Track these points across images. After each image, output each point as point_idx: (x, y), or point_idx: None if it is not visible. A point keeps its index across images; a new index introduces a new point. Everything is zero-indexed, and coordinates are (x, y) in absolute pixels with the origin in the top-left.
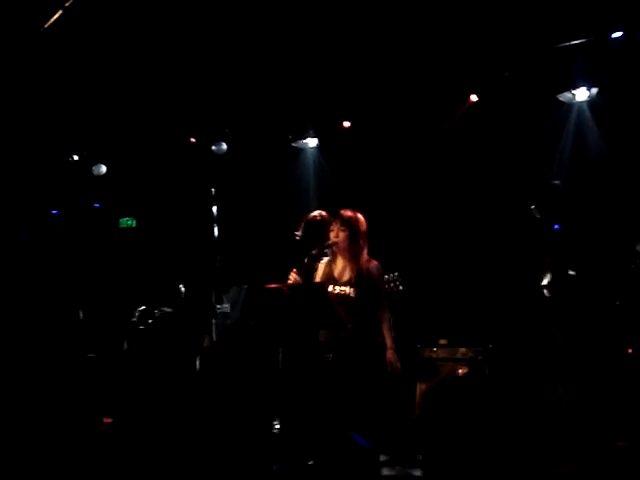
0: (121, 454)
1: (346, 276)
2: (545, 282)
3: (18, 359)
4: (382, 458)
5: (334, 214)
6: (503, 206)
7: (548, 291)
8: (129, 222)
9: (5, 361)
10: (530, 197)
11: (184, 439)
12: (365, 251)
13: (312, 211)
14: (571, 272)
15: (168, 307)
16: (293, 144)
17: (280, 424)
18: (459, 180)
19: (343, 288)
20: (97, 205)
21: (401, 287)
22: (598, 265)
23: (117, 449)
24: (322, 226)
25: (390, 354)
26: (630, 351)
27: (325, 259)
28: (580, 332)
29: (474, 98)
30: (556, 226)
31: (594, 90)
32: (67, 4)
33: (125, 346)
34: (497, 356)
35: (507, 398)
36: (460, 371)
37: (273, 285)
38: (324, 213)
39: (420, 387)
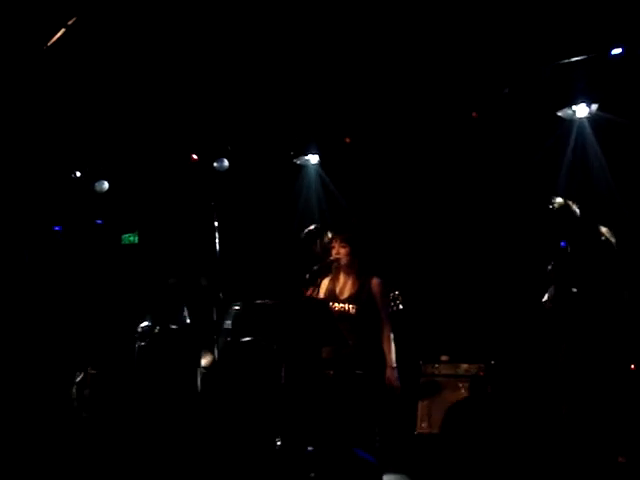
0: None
1: (347, 293)
2: (546, 297)
3: (20, 375)
4: (386, 472)
5: (336, 230)
6: (504, 222)
7: (550, 306)
8: (131, 238)
9: (8, 376)
10: (532, 213)
11: (185, 454)
12: (367, 268)
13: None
14: (574, 289)
15: (171, 324)
16: (295, 160)
17: (282, 440)
18: (460, 196)
19: (344, 305)
20: (99, 221)
21: (401, 306)
22: (601, 282)
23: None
24: (317, 236)
25: (389, 372)
26: (633, 367)
27: (328, 275)
28: (583, 348)
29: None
30: (563, 243)
31: (594, 106)
32: (70, 23)
33: (127, 362)
34: (499, 372)
35: (509, 415)
36: (461, 386)
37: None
38: (318, 226)
39: (422, 403)
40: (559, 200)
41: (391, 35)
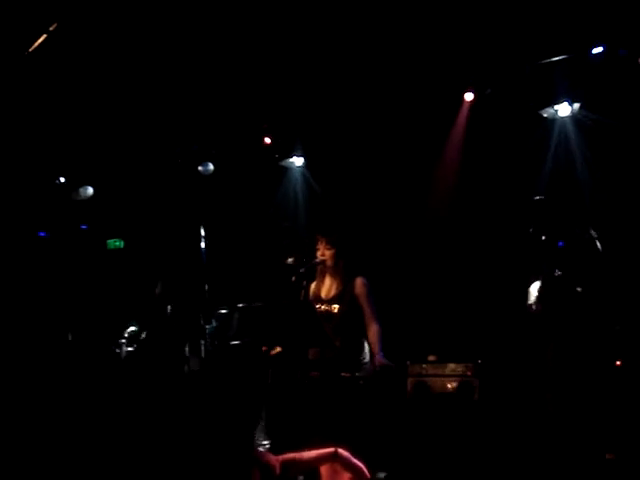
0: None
1: (332, 293)
2: (533, 300)
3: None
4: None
5: (321, 232)
6: (489, 221)
7: (539, 309)
8: (117, 243)
9: None
10: (516, 212)
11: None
12: (351, 269)
13: (299, 228)
14: (578, 289)
15: (156, 328)
16: (280, 163)
17: (269, 441)
18: (445, 196)
19: (328, 306)
20: (84, 227)
21: None
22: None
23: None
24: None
25: (377, 358)
26: (619, 363)
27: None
28: (570, 345)
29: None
30: (560, 243)
31: (576, 105)
32: (51, 28)
33: (113, 367)
34: (486, 371)
35: (497, 413)
36: (449, 386)
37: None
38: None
39: (410, 403)
40: (538, 198)
41: (375, 36)
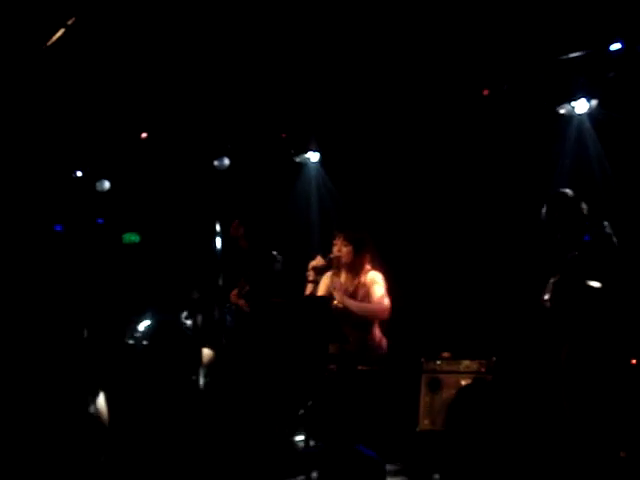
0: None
1: (349, 290)
2: (547, 296)
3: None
4: (389, 468)
5: (338, 229)
6: (504, 219)
7: (549, 305)
8: (132, 238)
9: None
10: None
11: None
12: (368, 266)
13: (315, 225)
14: (595, 284)
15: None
16: (295, 159)
17: (286, 436)
18: (461, 193)
19: None
20: (100, 221)
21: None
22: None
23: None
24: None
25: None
26: (634, 362)
27: (328, 273)
28: (587, 344)
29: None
30: (586, 237)
31: (594, 102)
32: (69, 22)
33: (128, 361)
34: (501, 369)
35: (512, 411)
36: (464, 383)
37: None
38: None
39: (424, 399)
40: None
41: (390, 33)
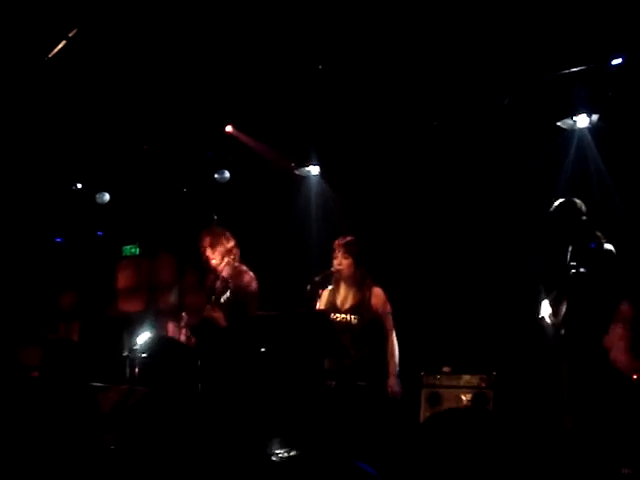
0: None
1: (348, 304)
2: (549, 312)
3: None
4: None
5: (337, 241)
6: (505, 232)
7: (550, 320)
8: (132, 250)
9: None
10: (532, 223)
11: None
12: (368, 279)
13: (315, 238)
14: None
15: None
16: (296, 172)
17: (284, 451)
18: (462, 206)
19: (345, 316)
20: (100, 233)
21: None
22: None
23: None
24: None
25: (392, 380)
26: (635, 377)
27: (329, 287)
28: (588, 359)
29: None
30: (592, 244)
31: (595, 116)
32: (71, 34)
33: (127, 374)
34: (501, 384)
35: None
36: (464, 398)
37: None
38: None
39: (424, 414)
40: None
41: (392, 45)
